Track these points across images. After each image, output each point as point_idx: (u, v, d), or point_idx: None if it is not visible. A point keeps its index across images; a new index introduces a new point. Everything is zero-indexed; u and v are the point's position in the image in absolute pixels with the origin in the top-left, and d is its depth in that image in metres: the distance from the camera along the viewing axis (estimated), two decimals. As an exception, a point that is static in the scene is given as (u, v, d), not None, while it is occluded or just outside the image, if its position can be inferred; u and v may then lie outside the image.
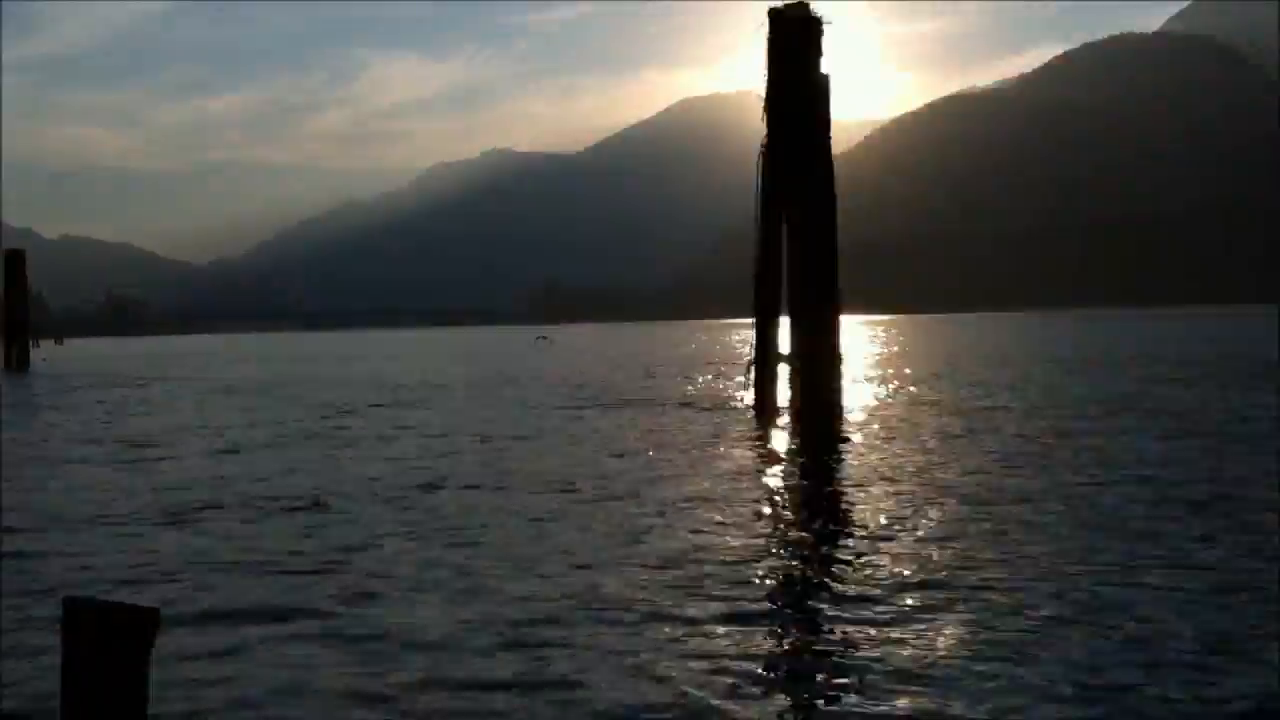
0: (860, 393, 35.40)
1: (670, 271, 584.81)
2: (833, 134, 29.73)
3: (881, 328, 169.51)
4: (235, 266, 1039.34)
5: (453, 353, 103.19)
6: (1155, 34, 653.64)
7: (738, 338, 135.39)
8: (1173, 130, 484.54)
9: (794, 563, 12.04)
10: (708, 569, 11.51)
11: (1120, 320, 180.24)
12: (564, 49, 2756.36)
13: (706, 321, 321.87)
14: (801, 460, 21.38)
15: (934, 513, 14.57)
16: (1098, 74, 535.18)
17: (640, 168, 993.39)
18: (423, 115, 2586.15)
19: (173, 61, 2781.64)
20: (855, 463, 20.01)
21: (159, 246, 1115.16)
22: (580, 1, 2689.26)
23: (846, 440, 23.38)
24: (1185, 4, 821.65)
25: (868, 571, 11.35)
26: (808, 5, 29.36)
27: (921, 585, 10.67)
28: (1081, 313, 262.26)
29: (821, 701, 7.87)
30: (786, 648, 9.13)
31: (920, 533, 13.29)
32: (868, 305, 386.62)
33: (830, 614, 9.91)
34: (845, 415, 27.44)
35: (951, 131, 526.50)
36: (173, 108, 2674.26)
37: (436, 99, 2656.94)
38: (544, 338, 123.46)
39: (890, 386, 40.33)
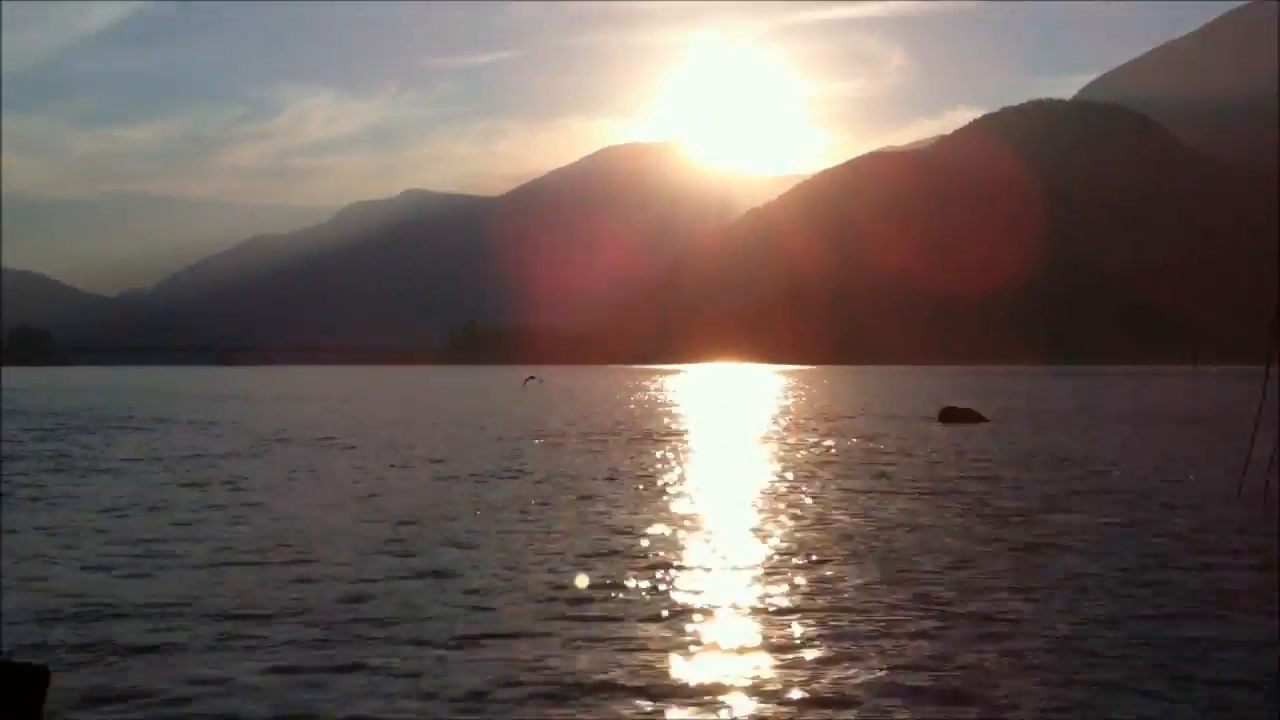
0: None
1: (585, 317, 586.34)
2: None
3: (801, 378, 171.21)
4: (146, 299, 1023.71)
5: (439, 394, 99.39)
6: (1072, 101, 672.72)
7: (664, 384, 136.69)
8: (1094, 194, 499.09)
9: None
10: None
11: (1069, 377, 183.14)
12: (486, 93, 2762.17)
13: (627, 367, 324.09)
14: None
15: None
16: (1017, 136, 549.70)
17: (560, 213, 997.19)
18: (342, 153, 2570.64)
19: (85, 91, 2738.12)
20: None
21: (67, 276, 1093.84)
22: (503, 48, 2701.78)
23: None
24: (1098, 75, 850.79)
25: None
26: None
27: None
28: (992, 370, 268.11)
29: None
30: None
31: None
32: (787, 355, 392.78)
33: None
34: None
35: (874, 186, 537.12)
36: (84, 137, 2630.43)
37: (356, 138, 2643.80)
38: (534, 378, 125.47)
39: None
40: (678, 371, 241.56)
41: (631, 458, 32.99)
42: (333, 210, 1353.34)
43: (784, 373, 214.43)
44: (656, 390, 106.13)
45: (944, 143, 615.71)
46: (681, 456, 33.77)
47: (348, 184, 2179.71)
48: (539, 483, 26.31)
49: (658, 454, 34.42)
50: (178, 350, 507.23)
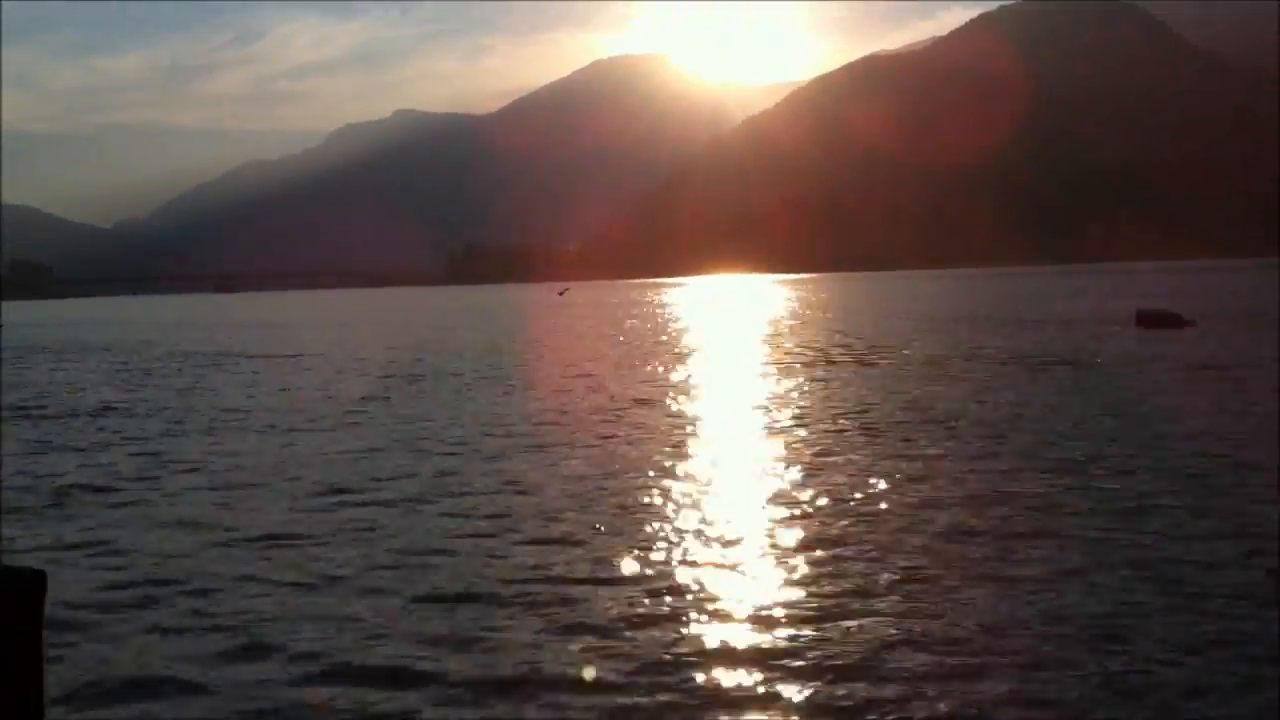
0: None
1: (580, 233, 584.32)
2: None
3: (810, 288, 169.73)
4: (140, 229, 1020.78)
5: (489, 313, 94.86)
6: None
7: (664, 299, 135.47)
8: (1091, 92, 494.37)
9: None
10: None
11: (1062, 276, 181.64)
12: (472, 9, 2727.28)
13: (627, 282, 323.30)
14: None
15: None
16: (1013, 35, 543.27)
17: (552, 128, 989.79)
18: (328, 76, 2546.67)
19: (66, 22, 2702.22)
20: None
21: (60, 209, 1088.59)
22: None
23: None
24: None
25: None
26: None
27: None
28: (1001, 271, 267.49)
29: None
30: None
31: None
32: (785, 265, 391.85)
33: None
34: None
35: (869, 91, 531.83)
36: (67, 68, 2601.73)
37: (342, 60, 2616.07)
38: (566, 289, 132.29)
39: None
40: (679, 284, 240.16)
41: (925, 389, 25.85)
42: (322, 134, 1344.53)
43: (790, 283, 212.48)
44: (761, 307, 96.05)
45: (940, 44, 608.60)
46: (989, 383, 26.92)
47: (336, 107, 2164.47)
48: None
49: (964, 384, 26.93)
50: (178, 279, 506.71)
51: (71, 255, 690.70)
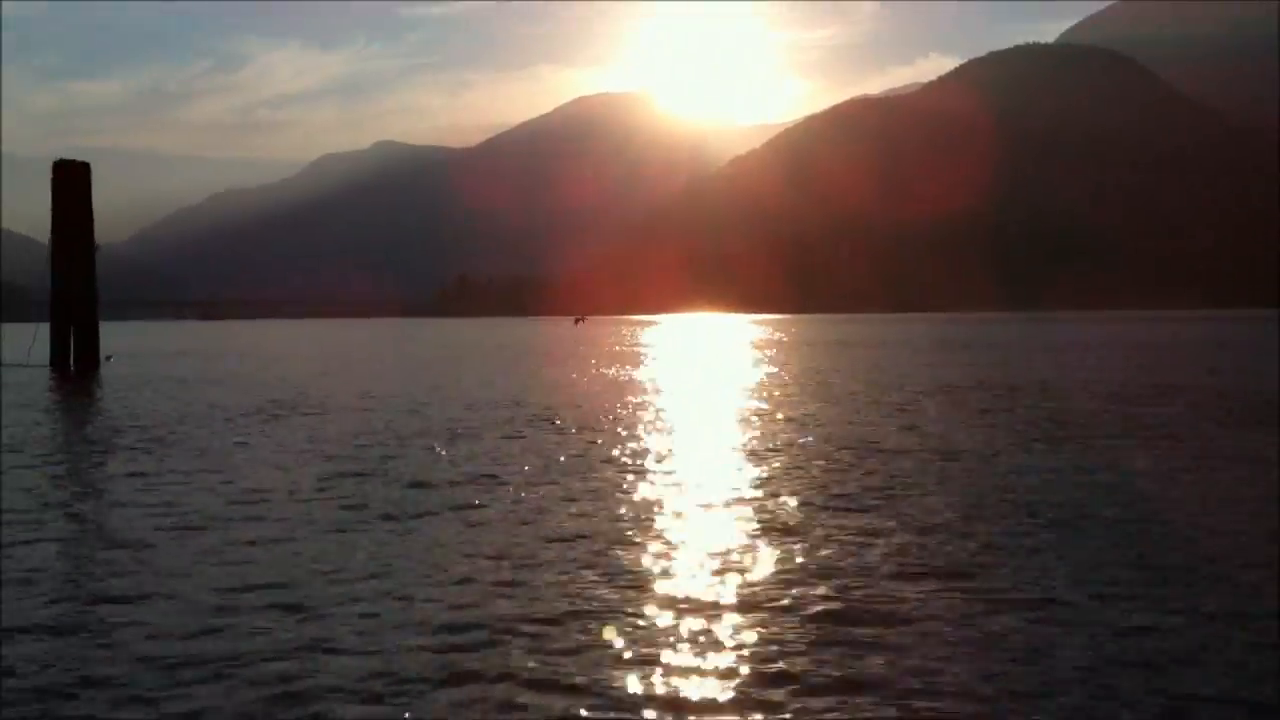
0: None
1: (560, 269, 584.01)
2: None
3: (782, 329, 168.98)
4: (119, 253, 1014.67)
5: (537, 347, 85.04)
6: (1056, 44, 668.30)
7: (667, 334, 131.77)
8: (1073, 137, 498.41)
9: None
10: None
11: (1066, 323, 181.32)
12: (455, 43, 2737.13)
13: (613, 317, 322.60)
14: None
15: None
16: (1001, 81, 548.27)
17: (532, 164, 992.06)
18: (309, 106, 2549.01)
19: (47, 45, 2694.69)
20: None
21: (35, 232, 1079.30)
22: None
23: None
24: (1077, 20, 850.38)
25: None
26: None
27: None
28: (979, 316, 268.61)
29: None
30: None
31: None
32: (759, 305, 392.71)
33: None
34: None
35: (853, 136, 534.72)
36: (47, 92, 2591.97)
37: (324, 90, 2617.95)
38: (581, 319, 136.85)
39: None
40: (655, 323, 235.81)
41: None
42: (302, 163, 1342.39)
43: (764, 323, 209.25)
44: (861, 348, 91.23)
45: (926, 89, 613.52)
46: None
47: (316, 136, 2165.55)
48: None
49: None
50: (160, 305, 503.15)
51: (45, 277, 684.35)
